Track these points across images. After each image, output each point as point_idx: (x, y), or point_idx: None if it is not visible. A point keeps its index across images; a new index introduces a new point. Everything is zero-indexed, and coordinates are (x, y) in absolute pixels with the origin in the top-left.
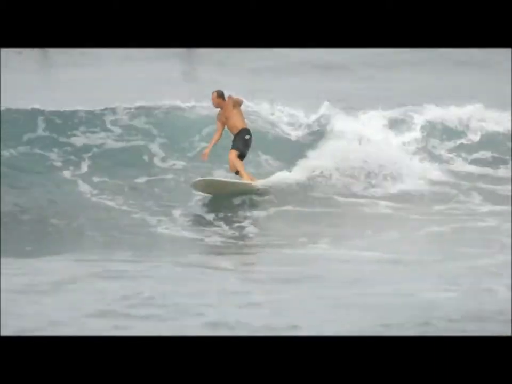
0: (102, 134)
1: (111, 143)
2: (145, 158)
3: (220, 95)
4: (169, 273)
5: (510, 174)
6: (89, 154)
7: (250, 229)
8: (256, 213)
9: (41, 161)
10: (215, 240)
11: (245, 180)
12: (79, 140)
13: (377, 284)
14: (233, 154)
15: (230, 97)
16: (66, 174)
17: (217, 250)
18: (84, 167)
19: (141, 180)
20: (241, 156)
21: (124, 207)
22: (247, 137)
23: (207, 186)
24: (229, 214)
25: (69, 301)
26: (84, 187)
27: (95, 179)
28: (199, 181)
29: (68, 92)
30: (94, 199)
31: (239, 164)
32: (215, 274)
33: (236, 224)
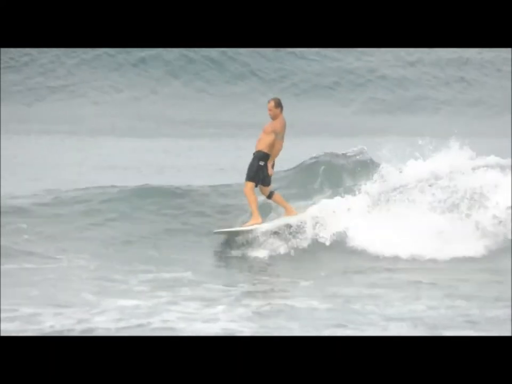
0: None
1: None
2: None
3: (279, 104)
4: None
5: None
6: None
7: None
8: None
9: None
10: None
11: (248, 225)
12: None
13: None
14: (247, 186)
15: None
16: None
17: None
18: None
19: None
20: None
21: None
22: (261, 163)
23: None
24: None
25: None
26: None
27: None
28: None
29: None
30: None
31: (250, 199)
32: None
33: None
